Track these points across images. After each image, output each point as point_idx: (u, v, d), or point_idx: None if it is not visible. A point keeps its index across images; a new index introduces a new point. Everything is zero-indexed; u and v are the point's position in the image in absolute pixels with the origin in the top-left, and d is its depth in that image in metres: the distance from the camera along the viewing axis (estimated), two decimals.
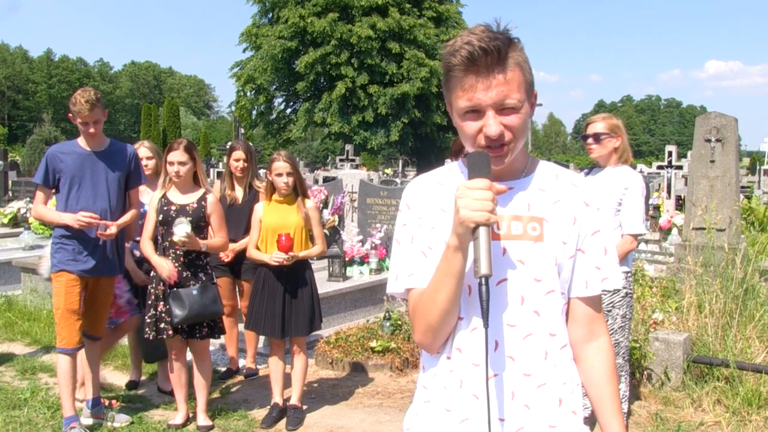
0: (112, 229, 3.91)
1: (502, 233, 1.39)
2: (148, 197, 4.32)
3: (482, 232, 1.25)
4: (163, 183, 4.12)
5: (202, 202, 4.12)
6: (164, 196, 4.09)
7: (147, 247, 4.06)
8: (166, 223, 4.01)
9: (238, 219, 4.97)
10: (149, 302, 4.07)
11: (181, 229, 3.87)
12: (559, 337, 1.43)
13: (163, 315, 4.02)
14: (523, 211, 1.42)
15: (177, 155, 4.04)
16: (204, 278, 4.10)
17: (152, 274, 4.11)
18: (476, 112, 1.34)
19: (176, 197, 4.10)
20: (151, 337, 4.09)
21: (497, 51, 1.30)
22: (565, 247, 1.42)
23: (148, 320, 4.05)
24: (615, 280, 1.49)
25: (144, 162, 4.79)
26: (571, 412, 1.43)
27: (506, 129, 1.34)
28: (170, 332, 4.03)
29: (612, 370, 1.49)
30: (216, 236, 4.16)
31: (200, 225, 4.08)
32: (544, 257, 1.40)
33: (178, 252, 4.03)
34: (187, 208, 4.07)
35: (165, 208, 4.04)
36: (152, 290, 4.07)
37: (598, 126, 3.79)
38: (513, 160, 1.41)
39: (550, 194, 1.45)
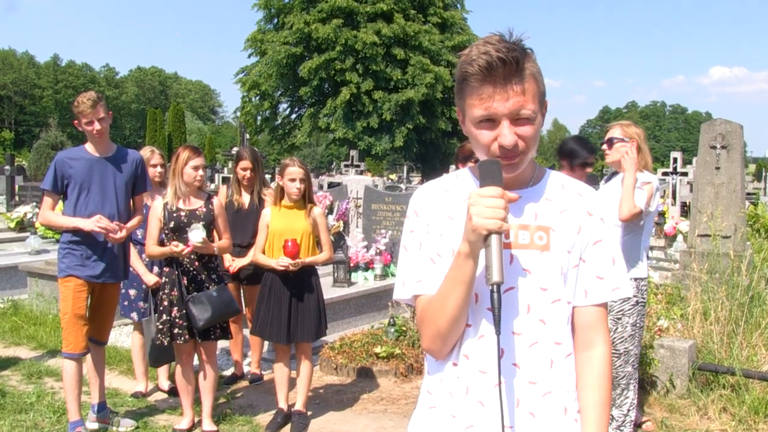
0: (123, 233, 3.94)
1: (510, 242, 1.40)
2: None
3: (494, 239, 1.26)
4: (177, 192, 4.07)
5: (210, 206, 4.15)
6: (172, 203, 4.09)
7: (156, 250, 4.07)
8: (178, 230, 4.03)
9: (244, 224, 4.99)
10: (161, 308, 4.07)
11: (197, 235, 3.91)
12: (565, 345, 1.43)
13: (177, 320, 4.03)
14: (530, 221, 1.43)
15: (201, 160, 4.11)
16: (217, 280, 4.14)
17: (164, 279, 4.12)
18: (491, 122, 1.35)
19: (183, 203, 4.12)
20: (165, 343, 4.09)
21: (515, 62, 1.31)
22: (570, 256, 1.43)
23: (161, 326, 4.05)
24: (625, 289, 1.49)
25: (158, 169, 4.81)
26: (575, 421, 1.44)
27: (520, 139, 1.36)
28: (187, 337, 4.04)
29: (600, 381, 1.46)
30: (222, 238, 4.21)
31: (210, 228, 4.11)
32: (550, 266, 1.41)
33: (192, 257, 4.06)
34: (197, 212, 4.09)
35: (175, 215, 4.05)
36: (164, 296, 4.07)
37: (613, 132, 3.89)
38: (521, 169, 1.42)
39: (556, 204, 1.46)
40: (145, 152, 4.79)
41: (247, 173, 5.06)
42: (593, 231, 1.46)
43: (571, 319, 1.46)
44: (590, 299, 1.46)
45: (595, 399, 1.45)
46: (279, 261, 4.13)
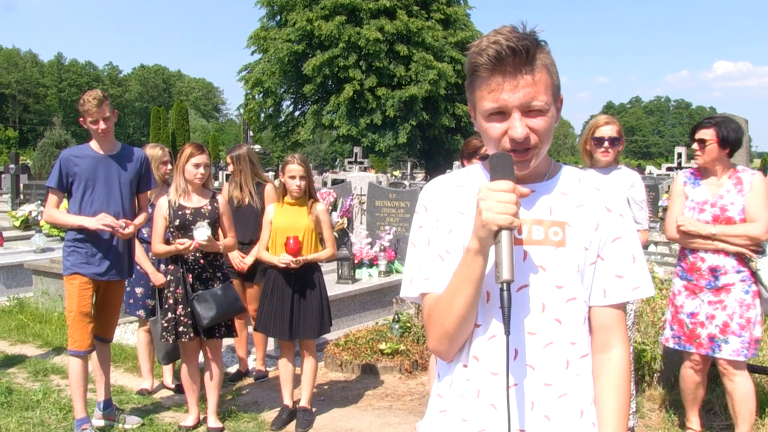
0: (130, 229, 3.95)
1: (523, 238, 1.35)
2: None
3: (504, 236, 1.22)
4: (177, 189, 4.09)
5: (215, 204, 4.15)
6: (175, 201, 4.10)
7: (162, 248, 4.08)
8: (183, 228, 4.03)
9: (240, 220, 4.98)
10: (166, 306, 4.07)
11: (202, 233, 3.91)
12: (580, 345, 1.37)
13: (182, 318, 4.04)
14: (545, 215, 1.37)
15: (204, 158, 4.10)
16: (222, 278, 4.15)
17: (169, 277, 4.13)
18: (501, 114, 1.31)
19: (188, 201, 4.12)
20: (170, 341, 4.09)
21: (525, 51, 1.27)
22: (586, 253, 1.37)
23: (166, 324, 4.06)
24: (647, 288, 1.42)
25: (170, 167, 4.83)
26: (592, 424, 1.38)
27: (532, 132, 1.30)
28: (192, 335, 4.05)
29: (618, 384, 1.40)
30: (228, 236, 4.21)
31: (215, 226, 4.12)
32: (566, 263, 1.35)
33: (197, 255, 4.06)
34: (202, 210, 4.10)
35: (180, 212, 4.05)
36: (170, 294, 4.08)
37: (610, 130, 3.85)
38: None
39: (572, 198, 1.40)
40: (156, 150, 4.81)
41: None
42: (612, 227, 1.40)
43: (587, 319, 1.40)
44: (609, 299, 1.39)
45: (613, 403, 1.38)
46: (280, 258, 4.14)
